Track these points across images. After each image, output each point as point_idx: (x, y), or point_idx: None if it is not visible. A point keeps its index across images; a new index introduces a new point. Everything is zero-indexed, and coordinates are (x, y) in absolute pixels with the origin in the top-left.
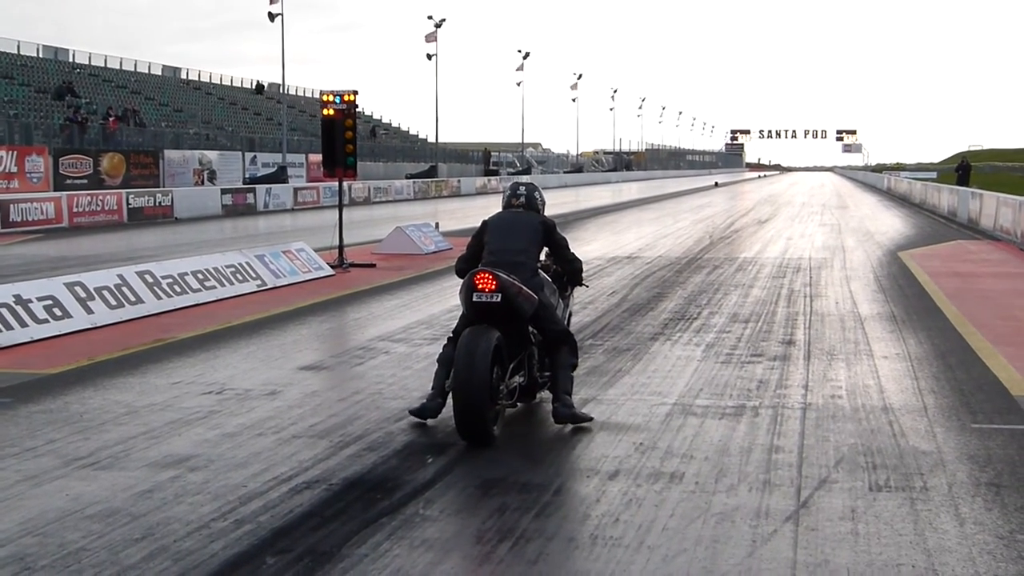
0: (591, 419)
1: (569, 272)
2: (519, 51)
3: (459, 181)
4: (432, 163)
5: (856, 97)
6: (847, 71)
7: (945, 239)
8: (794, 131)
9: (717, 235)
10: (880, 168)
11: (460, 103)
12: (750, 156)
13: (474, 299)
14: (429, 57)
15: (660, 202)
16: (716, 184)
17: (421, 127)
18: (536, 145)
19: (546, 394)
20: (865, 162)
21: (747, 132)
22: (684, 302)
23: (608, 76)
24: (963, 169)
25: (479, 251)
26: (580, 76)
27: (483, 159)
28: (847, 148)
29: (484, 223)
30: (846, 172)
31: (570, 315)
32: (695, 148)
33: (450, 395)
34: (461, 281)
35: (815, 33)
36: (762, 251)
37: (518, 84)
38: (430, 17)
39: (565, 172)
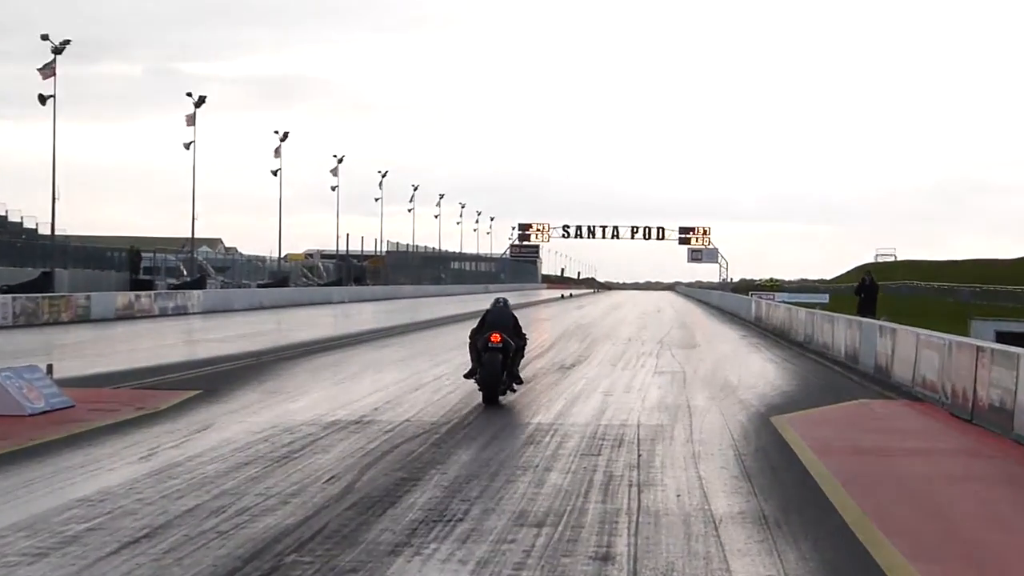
0: (521, 382)
1: (518, 341)
2: None
3: (89, 297)
4: (45, 268)
5: (707, 184)
6: (696, 150)
7: (841, 397)
8: (616, 228)
9: None
10: (747, 286)
11: (109, 182)
12: (549, 266)
13: (489, 346)
14: (42, 100)
15: (410, 334)
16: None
17: (39, 214)
18: (216, 241)
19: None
20: (723, 277)
21: (542, 227)
22: (444, 493)
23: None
24: (867, 290)
25: (483, 327)
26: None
27: (128, 263)
28: (696, 255)
29: (486, 312)
30: (694, 291)
31: (521, 356)
32: (466, 251)
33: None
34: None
35: (651, 100)
36: (565, 413)
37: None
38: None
39: (260, 285)
